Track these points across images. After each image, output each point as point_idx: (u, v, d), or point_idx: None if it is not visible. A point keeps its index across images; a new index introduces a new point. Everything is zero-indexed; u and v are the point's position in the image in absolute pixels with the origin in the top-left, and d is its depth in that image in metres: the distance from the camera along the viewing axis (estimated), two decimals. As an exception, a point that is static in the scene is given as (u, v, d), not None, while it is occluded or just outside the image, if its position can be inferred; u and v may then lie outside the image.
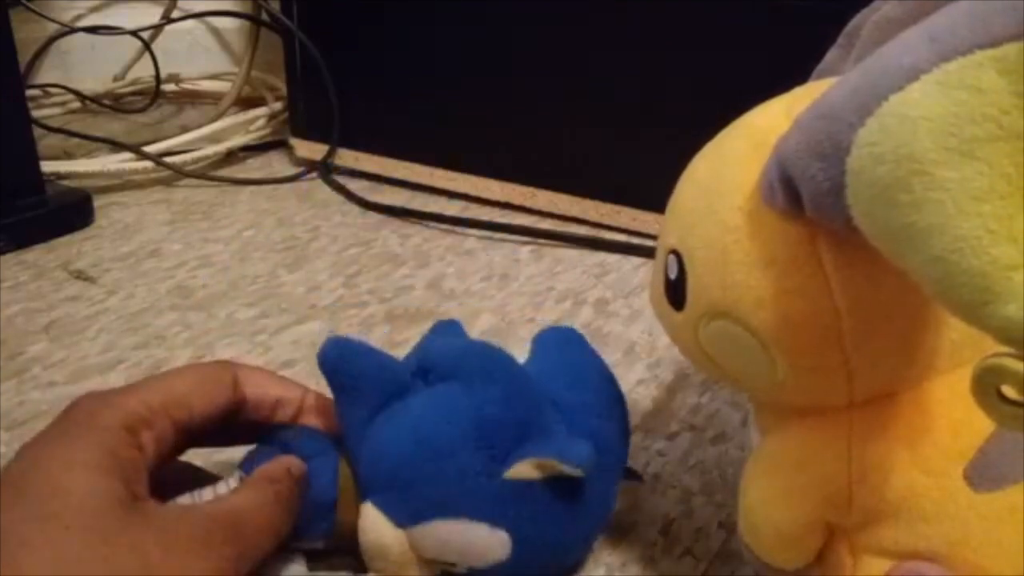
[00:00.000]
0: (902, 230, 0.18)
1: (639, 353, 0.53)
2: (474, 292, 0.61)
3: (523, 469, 0.31)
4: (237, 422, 0.33)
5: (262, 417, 0.34)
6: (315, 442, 0.33)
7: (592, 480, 0.32)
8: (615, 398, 0.35)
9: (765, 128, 0.25)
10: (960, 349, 0.25)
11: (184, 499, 0.30)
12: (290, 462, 0.31)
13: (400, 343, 0.53)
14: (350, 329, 0.55)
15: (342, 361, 0.32)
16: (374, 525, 0.31)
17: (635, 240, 0.69)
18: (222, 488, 0.31)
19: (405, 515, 0.31)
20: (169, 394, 0.30)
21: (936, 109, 0.17)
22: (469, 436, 0.31)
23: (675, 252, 0.28)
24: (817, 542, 0.27)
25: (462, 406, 0.31)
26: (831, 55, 0.29)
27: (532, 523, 0.31)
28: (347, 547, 0.33)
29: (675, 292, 0.28)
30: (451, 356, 0.33)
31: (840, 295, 0.24)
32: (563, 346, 0.37)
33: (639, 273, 0.64)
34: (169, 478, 0.30)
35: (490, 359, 0.33)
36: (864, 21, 0.27)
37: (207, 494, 0.31)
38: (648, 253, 0.66)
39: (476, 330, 0.55)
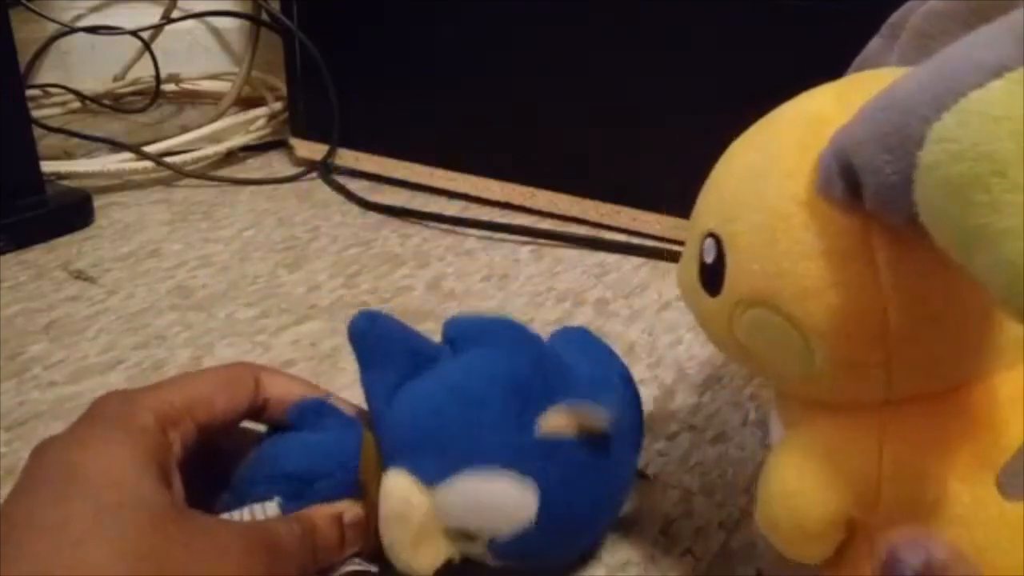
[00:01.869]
0: (974, 231, 0.18)
1: (639, 353, 0.53)
2: (474, 292, 0.61)
3: (554, 418, 0.31)
4: (260, 422, 0.34)
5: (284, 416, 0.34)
6: (337, 417, 0.34)
7: (615, 447, 0.33)
8: (628, 376, 0.37)
9: (817, 114, 0.25)
10: (1004, 353, 0.25)
11: (222, 516, 0.31)
12: (339, 509, 0.32)
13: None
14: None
15: (373, 328, 0.33)
16: (399, 484, 0.31)
17: (635, 240, 0.69)
18: (258, 510, 0.31)
19: (433, 470, 0.31)
20: (192, 395, 0.31)
21: (1020, 110, 0.17)
22: (502, 389, 0.32)
23: (714, 235, 0.27)
24: (838, 538, 0.27)
25: (495, 363, 0.32)
26: (873, 45, 0.29)
27: (559, 477, 0.31)
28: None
29: (711, 277, 0.27)
30: (479, 326, 0.34)
31: (890, 292, 0.23)
32: (577, 337, 0.38)
33: (639, 273, 0.64)
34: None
35: (518, 330, 0.34)
36: (909, 13, 0.26)
37: (245, 515, 0.31)
38: (648, 253, 0.66)
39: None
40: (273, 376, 0.34)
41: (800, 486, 0.26)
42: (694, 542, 0.37)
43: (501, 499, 0.31)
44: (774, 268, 0.24)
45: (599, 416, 0.31)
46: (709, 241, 0.27)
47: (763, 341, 0.26)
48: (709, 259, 0.27)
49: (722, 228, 0.26)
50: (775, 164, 0.25)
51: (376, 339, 0.33)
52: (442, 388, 0.32)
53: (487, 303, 0.59)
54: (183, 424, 0.30)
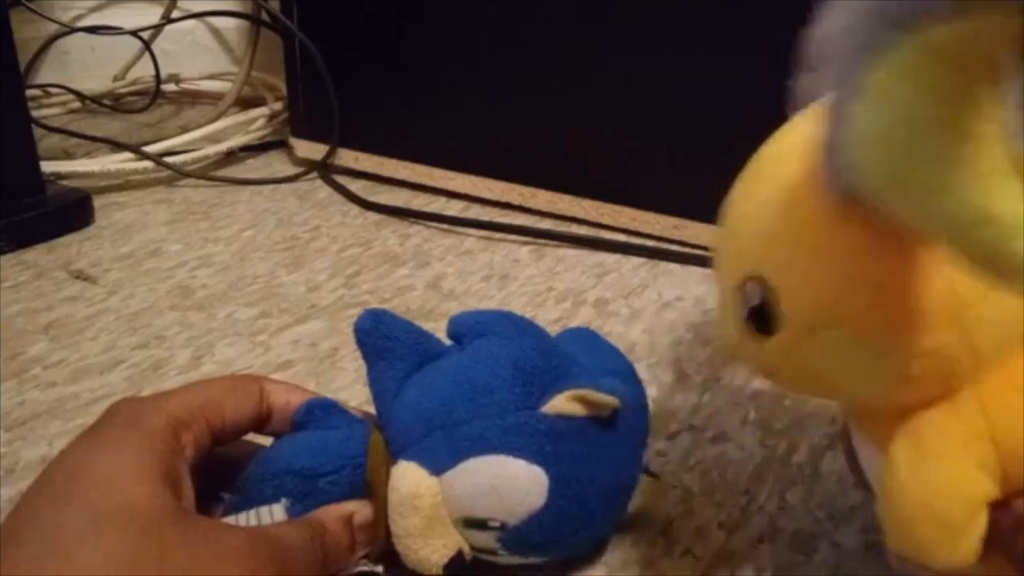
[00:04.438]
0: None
1: (639, 353, 0.53)
2: (474, 292, 0.61)
3: (560, 401, 0.31)
4: (263, 434, 0.34)
5: (287, 427, 0.34)
6: (344, 416, 0.34)
7: (622, 435, 0.33)
8: (634, 372, 0.37)
9: (811, 138, 0.25)
10: None
11: (228, 520, 0.31)
12: (348, 510, 0.31)
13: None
14: (350, 330, 0.55)
15: (378, 325, 0.34)
16: (408, 474, 0.31)
17: (635, 240, 0.69)
18: (265, 514, 0.31)
19: (441, 458, 0.31)
20: (204, 399, 0.31)
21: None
22: (507, 375, 0.32)
23: (752, 279, 0.27)
24: (981, 527, 0.26)
25: (499, 351, 0.33)
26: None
27: (568, 461, 0.31)
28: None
29: (761, 319, 0.27)
30: (482, 320, 0.35)
31: (945, 266, 0.23)
32: (582, 335, 0.39)
33: (639, 273, 0.64)
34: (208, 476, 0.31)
35: (521, 320, 0.35)
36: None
37: (252, 518, 0.31)
38: (648, 253, 0.66)
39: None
40: (277, 386, 0.34)
41: (930, 490, 0.26)
42: (694, 542, 0.37)
43: (511, 483, 0.31)
44: (828, 288, 0.24)
45: (606, 396, 0.31)
46: (750, 286, 0.27)
47: (839, 363, 0.26)
48: (756, 302, 0.27)
49: (765, 266, 0.26)
50: (792, 193, 0.25)
51: (381, 336, 0.33)
52: (448, 378, 0.32)
53: (487, 303, 0.59)
54: (196, 427, 0.30)
